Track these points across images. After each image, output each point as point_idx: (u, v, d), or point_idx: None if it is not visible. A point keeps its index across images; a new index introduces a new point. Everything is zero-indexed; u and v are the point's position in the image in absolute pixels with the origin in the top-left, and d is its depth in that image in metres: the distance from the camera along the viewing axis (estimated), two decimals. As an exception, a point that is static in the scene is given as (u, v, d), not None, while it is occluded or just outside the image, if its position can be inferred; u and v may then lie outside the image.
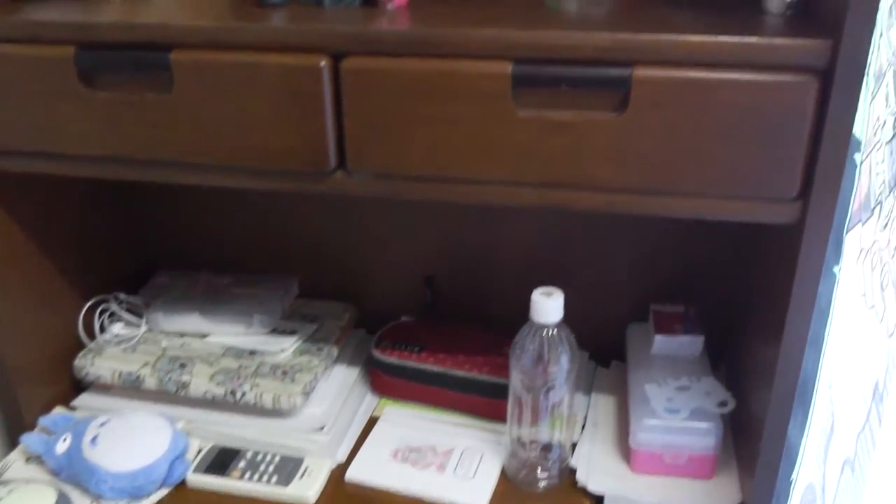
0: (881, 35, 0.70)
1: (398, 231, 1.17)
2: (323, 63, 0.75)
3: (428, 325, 1.14)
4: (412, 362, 1.06)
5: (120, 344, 1.10)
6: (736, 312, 1.04)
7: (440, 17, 0.79)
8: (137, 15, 0.83)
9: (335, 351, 1.10)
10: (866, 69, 0.65)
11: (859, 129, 0.71)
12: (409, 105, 0.74)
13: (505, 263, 1.15)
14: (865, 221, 0.69)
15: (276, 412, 1.02)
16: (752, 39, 0.67)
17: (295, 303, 1.20)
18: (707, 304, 1.07)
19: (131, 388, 1.05)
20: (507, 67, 0.71)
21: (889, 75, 0.67)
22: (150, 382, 1.04)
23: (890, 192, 0.66)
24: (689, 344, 1.00)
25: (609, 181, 0.73)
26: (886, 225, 0.66)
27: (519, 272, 1.14)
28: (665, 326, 1.02)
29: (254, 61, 0.76)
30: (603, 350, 1.14)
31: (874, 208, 0.69)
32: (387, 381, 1.08)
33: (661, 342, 1.01)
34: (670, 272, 1.10)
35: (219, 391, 1.02)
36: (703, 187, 0.72)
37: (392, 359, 1.07)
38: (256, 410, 1.02)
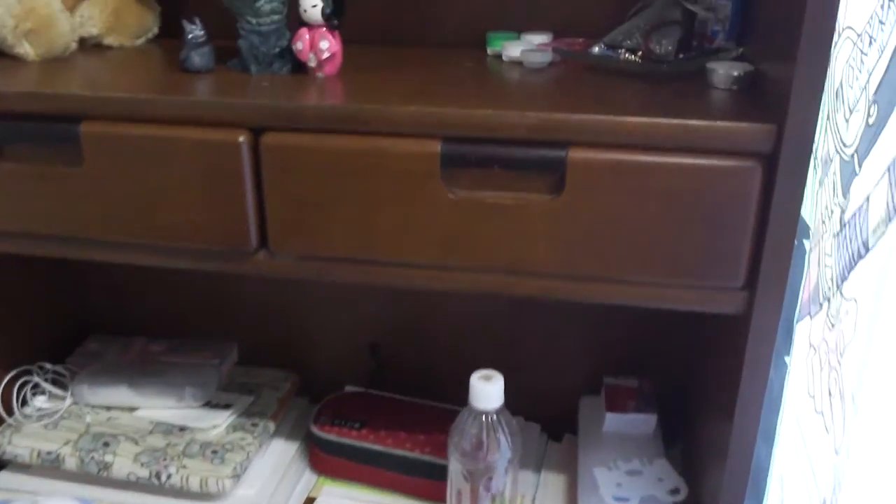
0: (827, 118, 0.66)
1: (342, 296, 1.12)
2: (242, 138, 0.70)
3: (370, 398, 1.08)
4: (351, 440, 1.00)
5: (41, 419, 1.03)
6: (691, 385, 1.00)
7: (370, 87, 0.75)
8: (52, 81, 0.78)
9: (272, 426, 1.04)
10: (812, 154, 0.61)
11: (808, 214, 0.68)
12: (332, 184, 0.70)
13: (452, 331, 1.10)
14: (814, 315, 0.65)
15: (204, 496, 0.95)
16: (693, 122, 0.63)
17: (234, 370, 1.14)
18: (662, 375, 1.02)
19: (52, 468, 0.99)
20: (436, 146, 0.67)
21: (836, 163, 0.64)
22: (71, 462, 0.97)
23: (837, 290, 0.62)
24: (641, 423, 0.95)
25: (545, 267, 0.69)
26: (833, 326, 0.61)
27: (467, 339, 1.09)
28: (617, 403, 0.97)
29: (168, 136, 0.71)
30: (555, 422, 1.09)
31: (822, 303, 0.64)
32: (325, 460, 1.02)
33: (612, 420, 0.96)
34: (624, 342, 1.05)
35: (143, 473, 0.95)
36: (644, 275, 0.67)
37: (331, 436, 1.01)
38: (183, 493, 0.96)
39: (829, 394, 0.61)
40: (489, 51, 0.88)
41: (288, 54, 0.79)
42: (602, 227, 0.66)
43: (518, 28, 0.90)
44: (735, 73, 0.71)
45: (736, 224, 0.64)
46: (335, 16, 0.75)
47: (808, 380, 0.67)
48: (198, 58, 0.79)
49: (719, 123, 0.62)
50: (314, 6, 0.74)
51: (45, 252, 0.80)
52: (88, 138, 0.73)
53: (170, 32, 0.93)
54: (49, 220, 0.77)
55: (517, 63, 0.83)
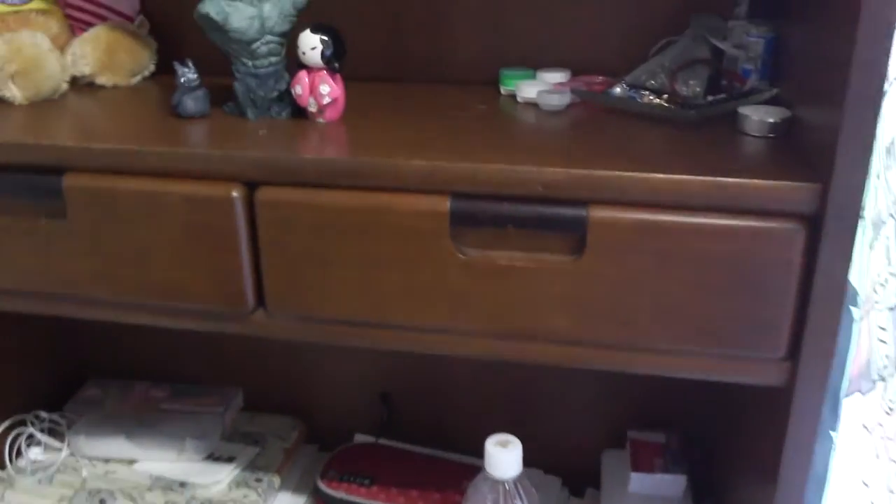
0: (878, 177, 0.60)
1: (351, 340, 1.06)
2: (235, 193, 0.65)
3: (381, 450, 1.02)
4: (361, 498, 0.94)
5: (36, 473, 0.98)
6: (723, 443, 0.93)
7: (374, 134, 0.69)
8: (36, 128, 0.73)
9: (277, 481, 0.99)
10: (861, 214, 0.55)
11: (856, 279, 0.61)
12: (333, 242, 0.64)
13: (467, 380, 1.04)
14: (867, 393, 0.59)
15: (203, 559, 0.90)
16: (728, 180, 0.57)
17: (238, 417, 1.09)
18: (690, 429, 0.96)
19: (46, 527, 0.94)
20: (445, 203, 0.61)
21: (890, 227, 0.57)
22: (66, 522, 0.92)
23: None
24: (670, 484, 0.89)
25: (565, 333, 0.63)
26: (893, 411, 0.55)
27: (482, 387, 1.03)
28: (643, 460, 0.90)
29: (156, 190, 0.66)
30: (577, 476, 1.02)
31: (876, 382, 0.58)
32: (333, 518, 0.97)
33: (638, 480, 0.89)
34: (649, 393, 0.99)
35: (140, 534, 0.90)
36: (673, 344, 0.61)
37: (339, 493, 0.95)
38: (182, 556, 0.91)
39: (889, 490, 0.54)
40: (503, 90, 0.82)
41: (287, 97, 0.73)
42: (626, 292, 0.60)
43: (533, 64, 0.84)
44: (771, 121, 0.65)
45: (777, 290, 0.58)
46: (336, 59, 0.70)
47: (862, 466, 0.60)
48: (191, 102, 0.74)
49: (758, 182, 0.56)
50: (313, 49, 0.69)
51: (30, 309, 0.75)
52: (72, 191, 0.68)
53: (168, 69, 0.88)
54: (33, 276, 0.72)
55: (532, 104, 0.77)
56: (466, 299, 0.63)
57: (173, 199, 0.66)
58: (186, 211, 0.66)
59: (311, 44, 0.69)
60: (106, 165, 0.67)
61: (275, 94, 0.73)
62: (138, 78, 0.90)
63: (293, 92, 0.72)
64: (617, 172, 0.58)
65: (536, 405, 1.02)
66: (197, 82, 0.74)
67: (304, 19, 0.72)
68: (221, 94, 0.76)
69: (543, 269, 0.61)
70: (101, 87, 0.87)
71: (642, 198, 0.58)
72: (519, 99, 0.78)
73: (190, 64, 0.74)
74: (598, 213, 0.59)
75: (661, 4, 0.81)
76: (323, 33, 0.69)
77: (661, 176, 0.57)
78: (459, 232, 0.62)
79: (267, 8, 0.70)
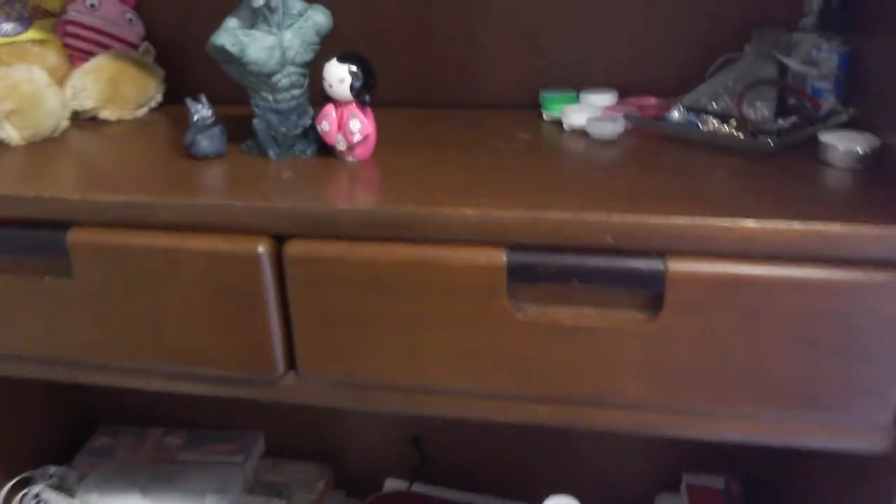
0: None
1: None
2: (262, 248, 0.58)
3: (414, 499, 0.95)
4: (396, 555, 0.87)
5: (45, 535, 0.91)
6: (791, 487, 0.86)
7: (412, 175, 0.62)
8: (38, 175, 0.66)
9: (304, 536, 0.92)
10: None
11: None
12: (373, 301, 0.57)
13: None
14: None
15: None
16: (828, 227, 0.49)
17: (261, 464, 1.02)
18: (752, 472, 0.89)
19: None
20: (502, 257, 0.54)
21: None
22: (78, 591, 0.86)
23: None
24: (732, 535, 0.82)
25: (637, 399, 0.56)
26: None
27: (519, 427, 0.96)
28: (702, 510, 0.83)
29: (172, 245, 0.59)
30: (625, 521, 0.96)
31: None
32: (366, 577, 0.90)
33: (698, 532, 0.82)
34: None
35: None
36: (761, 409, 0.54)
37: (372, 549, 0.88)
38: None
39: None
40: (545, 115, 0.75)
41: (312, 134, 0.66)
42: (710, 354, 0.53)
43: (575, 84, 0.77)
44: (860, 151, 0.58)
45: (882, 350, 0.51)
46: (366, 91, 0.63)
47: None
48: (206, 142, 0.66)
49: (862, 227, 0.49)
50: (341, 81, 0.62)
51: (36, 375, 0.68)
52: (77, 248, 0.61)
53: (176, 97, 0.81)
54: (35, 341, 0.65)
55: (581, 132, 0.70)
56: (525, 363, 0.56)
57: (191, 256, 0.59)
58: (206, 269, 0.59)
59: (339, 75, 0.62)
60: (115, 219, 0.60)
61: (298, 130, 0.66)
62: (144, 109, 0.83)
63: (319, 128, 0.64)
64: (699, 219, 0.51)
65: (583, 444, 0.95)
66: (212, 119, 0.67)
67: (328, 47, 0.65)
68: (239, 129, 0.69)
69: (614, 329, 0.54)
70: (105, 121, 0.80)
71: (729, 248, 0.51)
72: (565, 126, 0.71)
73: (204, 99, 0.67)
74: (679, 267, 0.52)
75: (719, 17, 0.74)
76: (352, 63, 0.62)
77: (750, 223, 0.50)
78: (517, 288, 0.55)
79: (288, 36, 0.63)
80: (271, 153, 0.66)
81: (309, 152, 0.67)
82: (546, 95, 0.75)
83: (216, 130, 0.67)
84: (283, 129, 0.66)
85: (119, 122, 0.80)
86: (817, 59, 0.68)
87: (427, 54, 0.81)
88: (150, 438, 1.04)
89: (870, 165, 0.59)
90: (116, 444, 1.03)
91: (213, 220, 0.58)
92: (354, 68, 0.62)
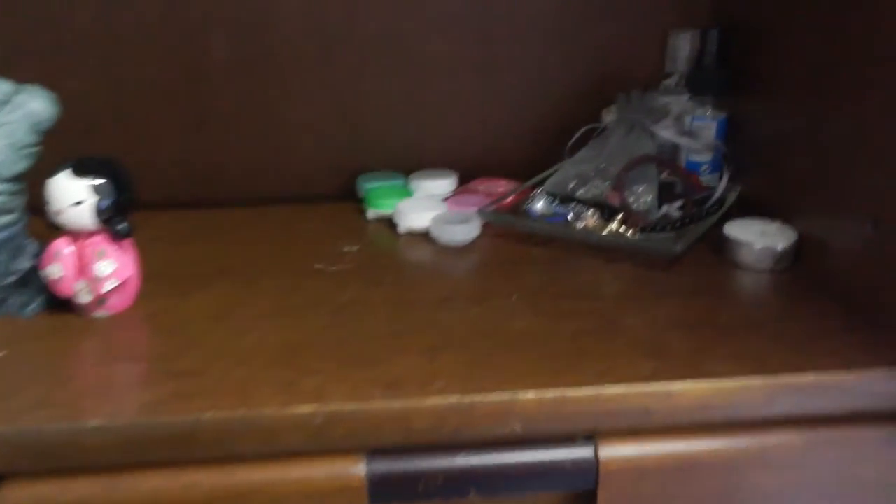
0: None
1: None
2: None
3: None
4: None
5: None
6: None
7: (203, 336, 0.41)
8: None
9: None
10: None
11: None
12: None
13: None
14: None
15: None
16: (794, 380, 0.36)
17: None
18: None
19: None
20: (358, 468, 0.36)
21: None
22: None
23: None
24: None
25: None
26: None
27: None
28: None
29: None
30: None
31: None
32: None
33: None
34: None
35: None
36: None
37: None
38: None
39: None
40: (370, 213, 0.57)
41: (35, 281, 0.44)
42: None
43: (401, 165, 0.61)
44: (779, 248, 0.47)
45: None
46: (120, 213, 0.41)
47: None
48: None
49: (847, 377, 0.36)
50: (78, 203, 0.40)
51: None
52: None
53: None
54: None
55: (422, 236, 0.53)
56: None
57: None
58: None
59: (74, 195, 0.40)
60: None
61: (11, 278, 0.43)
62: None
63: (45, 274, 0.42)
64: (634, 386, 0.36)
65: None
66: None
67: (53, 149, 0.43)
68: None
69: (530, 547, 0.37)
70: None
71: (682, 419, 0.36)
72: (400, 229, 0.54)
73: None
74: (610, 451, 0.36)
75: (570, 81, 0.61)
76: (94, 174, 0.41)
77: (706, 382, 0.36)
78: (383, 509, 0.36)
79: (-20, 138, 0.41)
80: None
81: (29, 310, 0.44)
82: (368, 186, 0.58)
83: None
84: (-13, 278, 0.43)
85: None
86: (693, 129, 0.56)
87: (205, 137, 0.60)
88: None
89: (789, 266, 0.47)
90: None
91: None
92: (99, 182, 0.41)
